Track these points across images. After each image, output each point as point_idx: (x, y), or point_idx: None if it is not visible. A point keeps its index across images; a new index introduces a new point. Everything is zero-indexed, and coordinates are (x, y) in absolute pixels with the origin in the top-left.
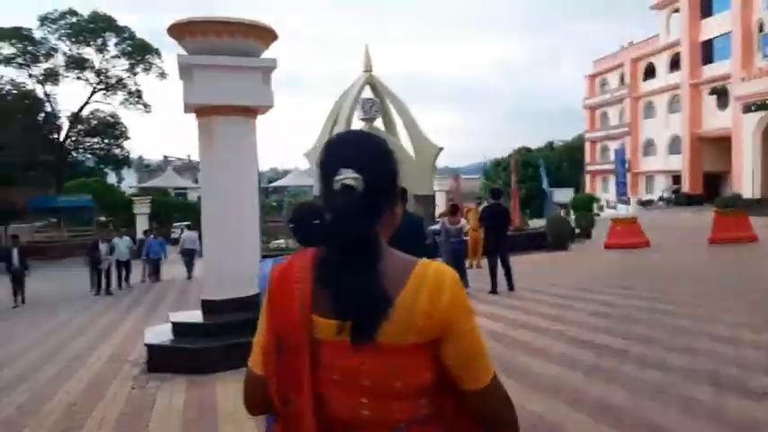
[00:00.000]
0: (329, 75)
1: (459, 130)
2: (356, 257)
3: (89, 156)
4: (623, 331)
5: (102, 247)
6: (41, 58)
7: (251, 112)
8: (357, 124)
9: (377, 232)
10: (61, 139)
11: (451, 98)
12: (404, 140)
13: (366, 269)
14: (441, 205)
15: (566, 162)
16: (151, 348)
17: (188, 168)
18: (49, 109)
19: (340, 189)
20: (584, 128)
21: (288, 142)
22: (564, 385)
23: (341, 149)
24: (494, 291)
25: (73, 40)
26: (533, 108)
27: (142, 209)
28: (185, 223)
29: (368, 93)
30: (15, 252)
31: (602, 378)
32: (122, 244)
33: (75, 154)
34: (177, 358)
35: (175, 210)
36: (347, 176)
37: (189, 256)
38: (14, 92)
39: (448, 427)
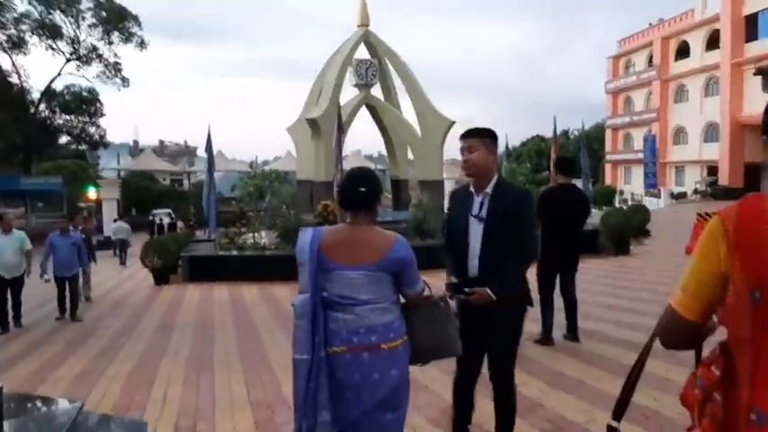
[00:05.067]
0: (322, 56)
1: (468, 122)
2: None
3: (64, 134)
4: None
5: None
6: (9, 24)
7: None
8: (350, 91)
9: None
10: (29, 116)
11: (457, 88)
12: (407, 112)
13: None
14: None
15: (580, 152)
16: None
17: (184, 154)
18: (16, 81)
19: None
20: (603, 116)
21: (279, 126)
22: None
23: None
24: (546, 338)
25: (43, 3)
26: (546, 98)
27: (110, 193)
28: (165, 210)
29: (363, 53)
30: None
31: None
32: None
33: (46, 132)
34: None
35: (157, 196)
36: None
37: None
38: None
39: None
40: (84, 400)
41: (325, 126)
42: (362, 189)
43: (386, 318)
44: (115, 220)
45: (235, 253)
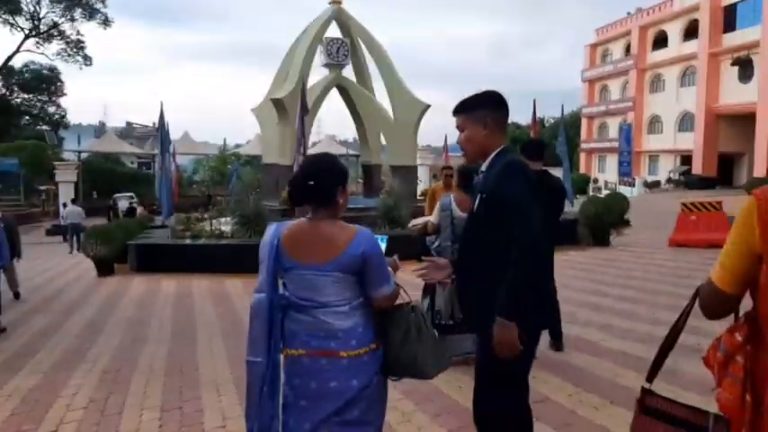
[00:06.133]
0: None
1: (442, 107)
2: None
3: (23, 114)
4: None
5: None
6: None
7: None
8: (319, 71)
9: None
10: None
11: (432, 76)
12: (380, 95)
13: None
14: (424, 181)
15: (556, 140)
16: None
17: (152, 136)
18: None
19: None
20: (578, 105)
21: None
22: None
23: None
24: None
25: None
26: (520, 86)
27: (66, 175)
28: (127, 194)
29: (335, 31)
30: None
31: None
32: None
33: (5, 111)
34: None
35: (121, 179)
36: None
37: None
38: None
39: None
40: None
41: (291, 107)
42: (311, 183)
43: (347, 323)
44: (65, 205)
45: (187, 242)
